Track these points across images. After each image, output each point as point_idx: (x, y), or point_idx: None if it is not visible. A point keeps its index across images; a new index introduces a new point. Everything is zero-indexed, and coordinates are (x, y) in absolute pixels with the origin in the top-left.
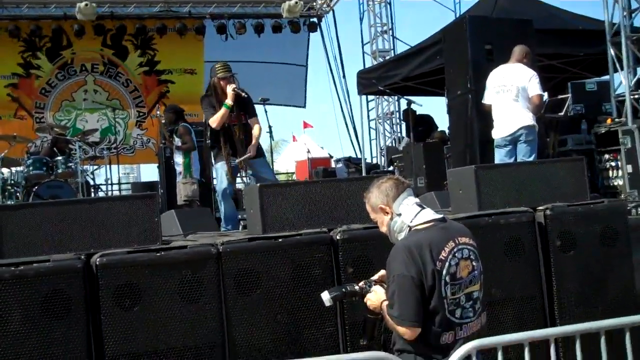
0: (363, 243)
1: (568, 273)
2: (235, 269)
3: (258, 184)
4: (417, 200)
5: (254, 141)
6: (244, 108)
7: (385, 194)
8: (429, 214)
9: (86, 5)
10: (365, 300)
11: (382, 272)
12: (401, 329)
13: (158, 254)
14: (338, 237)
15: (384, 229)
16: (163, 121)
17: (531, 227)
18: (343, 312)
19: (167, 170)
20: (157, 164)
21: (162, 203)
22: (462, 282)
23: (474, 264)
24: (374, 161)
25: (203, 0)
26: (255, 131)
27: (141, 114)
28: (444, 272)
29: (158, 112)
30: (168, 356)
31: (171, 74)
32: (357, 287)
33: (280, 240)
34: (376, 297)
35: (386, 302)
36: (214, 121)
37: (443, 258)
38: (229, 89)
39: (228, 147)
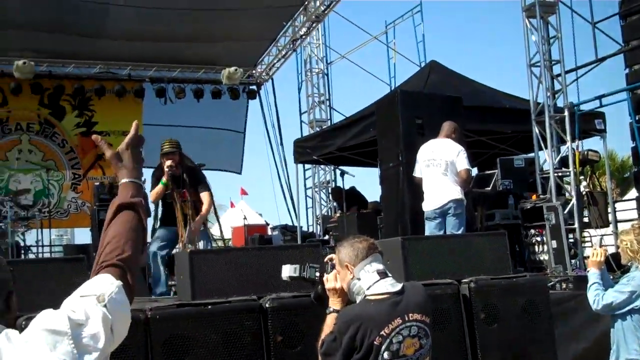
0: (292, 311)
1: (492, 345)
2: (164, 335)
3: (189, 251)
4: (381, 267)
5: (197, 218)
6: (192, 184)
7: (355, 254)
8: (385, 286)
9: (24, 63)
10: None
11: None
12: (320, 359)
13: None
14: (267, 305)
15: (344, 285)
16: (97, 183)
17: (456, 299)
18: None
19: (100, 231)
20: (90, 227)
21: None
22: (407, 359)
23: (422, 341)
24: (310, 229)
25: (143, 63)
26: (204, 205)
27: (77, 176)
28: (383, 347)
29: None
30: None
31: (109, 135)
32: (317, 276)
33: (209, 307)
34: (331, 284)
35: (325, 328)
36: (151, 196)
37: (384, 334)
38: (165, 166)
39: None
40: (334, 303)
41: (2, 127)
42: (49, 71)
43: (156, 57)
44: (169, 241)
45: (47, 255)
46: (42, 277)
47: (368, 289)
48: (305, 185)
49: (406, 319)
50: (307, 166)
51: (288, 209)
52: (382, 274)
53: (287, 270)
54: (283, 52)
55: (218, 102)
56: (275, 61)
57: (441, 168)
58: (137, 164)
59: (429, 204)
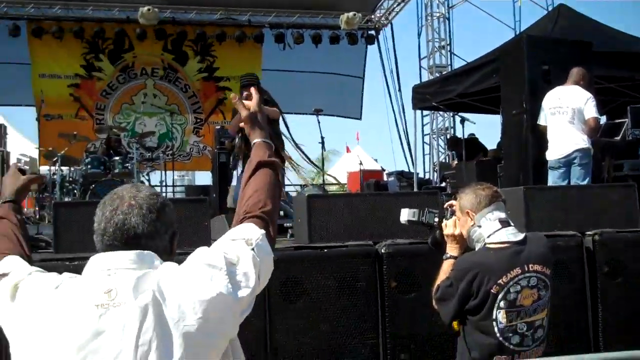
0: (407, 257)
1: (614, 300)
2: (280, 277)
3: (306, 194)
4: (504, 216)
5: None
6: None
7: (477, 201)
8: (507, 235)
9: (149, 10)
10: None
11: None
12: (433, 303)
13: None
14: (383, 251)
15: (464, 231)
16: (218, 127)
17: (579, 251)
18: (385, 324)
19: (221, 175)
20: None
21: (214, 207)
22: (523, 310)
23: (541, 293)
24: (427, 176)
25: (262, 8)
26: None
27: (198, 120)
28: (500, 296)
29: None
30: None
31: (229, 81)
32: (435, 221)
33: (325, 250)
34: (450, 230)
35: (441, 274)
36: (229, 127)
37: (502, 283)
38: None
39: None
40: (452, 249)
41: (128, 72)
42: (172, 17)
43: (275, 2)
44: None
45: (169, 195)
46: None
47: (488, 237)
48: (422, 131)
49: (526, 269)
50: (425, 112)
51: (405, 156)
52: (504, 223)
53: (406, 214)
54: None
55: (336, 48)
56: (394, 5)
57: (567, 116)
58: (267, 125)
59: (553, 153)
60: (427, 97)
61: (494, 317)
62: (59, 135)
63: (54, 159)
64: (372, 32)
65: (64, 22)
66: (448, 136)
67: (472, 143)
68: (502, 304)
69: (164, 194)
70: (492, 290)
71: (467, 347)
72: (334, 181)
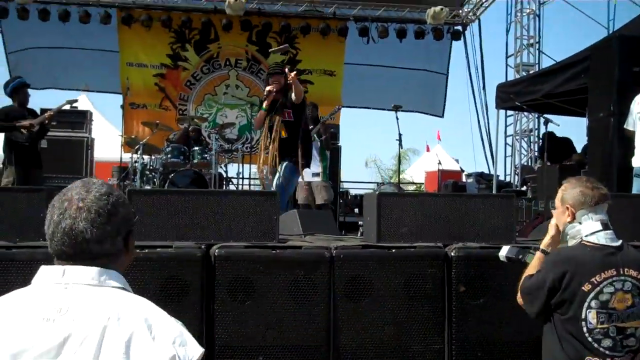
0: (478, 262)
1: None
2: (346, 275)
3: (377, 192)
4: (605, 218)
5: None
6: (291, 106)
7: (583, 199)
8: (605, 238)
9: (236, 0)
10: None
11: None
12: (518, 297)
13: (273, 252)
14: (453, 254)
15: (560, 224)
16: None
17: None
18: (451, 329)
19: None
20: None
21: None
22: (615, 313)
23: (636, 300)
24: (507, 179)
25: (348, 2)
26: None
27: None
28: (591, 295)
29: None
30: (274, 352)
31: (311, 74)
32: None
33: (393, 250)
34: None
35: (529, 268)
36: (253, 124)
37: (595, 282)
38: (265, 91)
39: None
40: (544, 244)
41: (212, 62)
42: (259, 8)
43: None
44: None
45: (246, 187)
46: (237, 208)
47: (587, 235)
48: (505, 132)
49: (621, 272)
50: (509, 113)
51: (485, 157)
52: (605, 225)
53: (506, 251)
54: None
55: (420, 43)
56: (483, 1)
57: None
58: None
59: None
60: (511, 96)
61: (583, 316)
62: (142, 123)
63: (136, 147)
64: (459, 27)
65: (153, 10)
66: (532, 137)
67: (566, 145)
68: (593, 303)
69: (239, 187)
70: (583, 288)
71: (559, 342)
72: (411, 180)
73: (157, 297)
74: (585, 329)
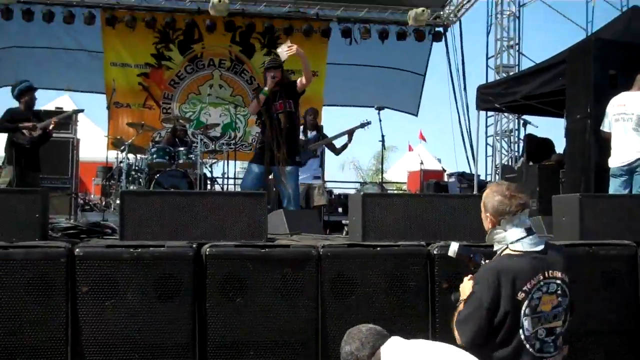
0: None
1: None
2: (333, 273)
3: (361, 193)
4: (528, 223)
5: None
6: (290, 96)
7: (504, 208)
8: (530, 243)
9: (219, 1)
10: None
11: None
12: (455, 332)
13: (263, 250)
14: (435, 252)
15: (486, 225)
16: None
17: (632, 260)
18: (435, 324)
19: None
20: None
21: (273, 202)
22: (543, 315)
23: (560, 299)
24: (488, 178)
25: (331, 2)
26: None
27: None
28: (525, 303)
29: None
30: (264, 347)
31: (293, 74)
32: (481, 262)
33: (378, 249)
34: (466, 287)
35: (463, 298)
36: (250, 107)
37: (527, 290)
38: (270, 76)
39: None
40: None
41: (196, 62)
42: (242, 9)
43: None
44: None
45: (231, 187)
46: (227, 208)
47: (512, 243)
48: (486, 132)
49: (547, 275)
50: (489, 113)
51: (467, 157)
52: (529, 231)
53: (456, 247)
54: None
55: (400, 43)
56: (464, 2)
57: (632, 122)
58: None
59: (616, 160)
60: (490, 98)
61: (520, 324)
62: (127, 124)
63: (122, 148)
64: (440, 29)
65: (137, 11)
66: (512, 138)
67: (546, 145)
68: (527, 310)
69: (225, 186)
70: (517, 298)
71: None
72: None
73: (150, 295)
74: (523, 337)
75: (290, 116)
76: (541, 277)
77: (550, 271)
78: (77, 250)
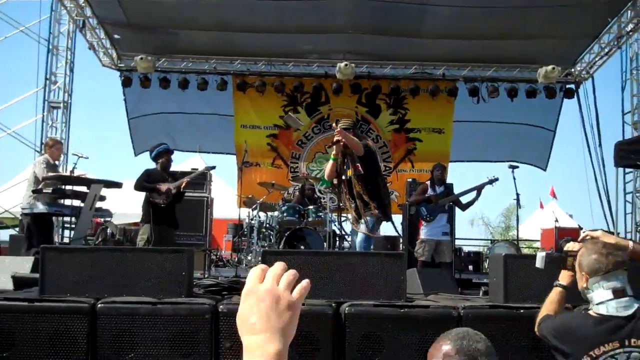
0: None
1: None
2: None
3: (503, 254)
4: (619, 285)
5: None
6: (361, 159)
7: (596, 267)
8: (617, 307)
9: (346, 65)
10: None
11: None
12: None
13: (402, 310)
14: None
15: (580, 285)
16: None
17: None
18: None
19: (410, 225)
20: (401, 216)
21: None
22: None
23: None
24: (628, 236)
25: (457, 63)
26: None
27: (387, 168)
28: None
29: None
30: None
31: (419, 132)
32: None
33: (522, 311)
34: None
35: (547, 303)
36: (326, 174)
37: (594, 355)
38: (333, 140)
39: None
40: (564, 278)
41: (323, 123)
42: (368, 72)
43: (470, 57)
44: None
45: None
46: (368, 267)
47: (596, 304)
48: (625, 189)
49: (627, 343)
50: (627, 170)
51: (604, 214)
52: (618, 293)
53: (544, 254)
54: (606, 50)
55: (530, 100)
56: (597, 59)
57: None
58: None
59: None
60: (632, 156)
61: None
62: (258, 184)
63: (253, 206)
64: (572, 85)
65: (267, 77)
66: None
67: None
68: None
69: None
70: (580, 358)
71: None
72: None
73: (290, 352)
74: None
75: (361, 179)
76: (617, 345)
77: (633, 339)
78: (221, 307)
